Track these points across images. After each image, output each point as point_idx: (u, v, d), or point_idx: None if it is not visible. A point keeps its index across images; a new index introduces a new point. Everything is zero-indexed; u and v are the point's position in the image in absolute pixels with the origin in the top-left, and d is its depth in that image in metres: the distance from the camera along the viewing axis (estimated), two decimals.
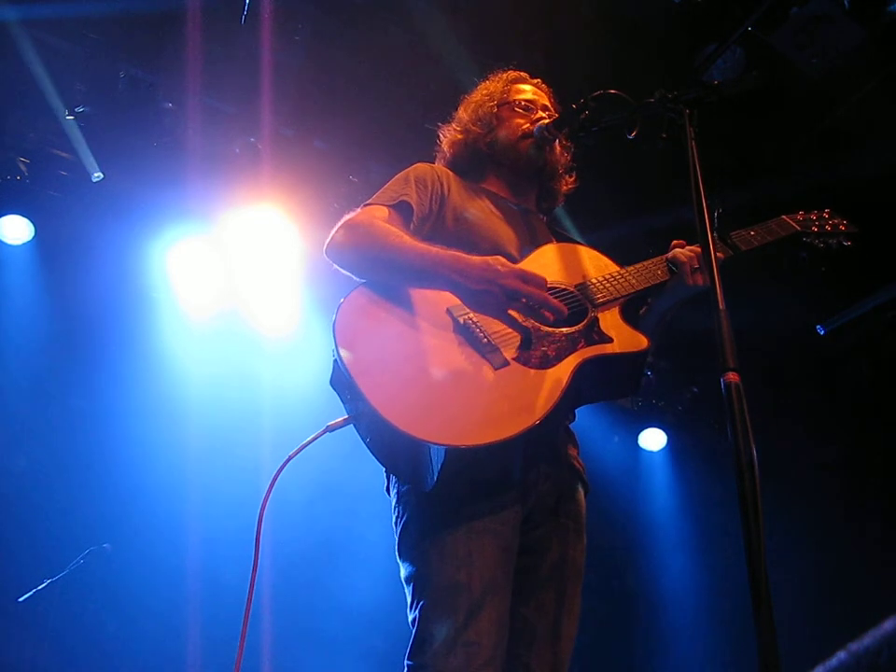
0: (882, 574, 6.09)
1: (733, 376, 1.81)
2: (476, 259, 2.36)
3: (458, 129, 3.03)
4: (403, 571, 2.40)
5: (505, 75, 3.07)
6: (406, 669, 2.26)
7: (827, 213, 3.13)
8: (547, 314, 2.32)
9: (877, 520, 6.38)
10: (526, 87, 3.03)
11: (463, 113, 3.05)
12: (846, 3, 4.74)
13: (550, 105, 3.00)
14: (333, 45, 5.20)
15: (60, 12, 4.85)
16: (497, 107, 2.98)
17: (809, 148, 5.44)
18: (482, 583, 2.26)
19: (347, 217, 2.58)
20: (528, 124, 2.91)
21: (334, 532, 5.99)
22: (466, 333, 2.37)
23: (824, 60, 4.95)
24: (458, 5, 4.98)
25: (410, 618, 2.32)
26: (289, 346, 5.95)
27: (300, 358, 5.84)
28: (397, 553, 2.44)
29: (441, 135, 3.08)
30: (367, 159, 5.80)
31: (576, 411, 2.77)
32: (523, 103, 2.98)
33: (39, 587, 4.95)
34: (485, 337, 2.36)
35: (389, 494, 2.55)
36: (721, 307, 1.92)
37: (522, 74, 3.08)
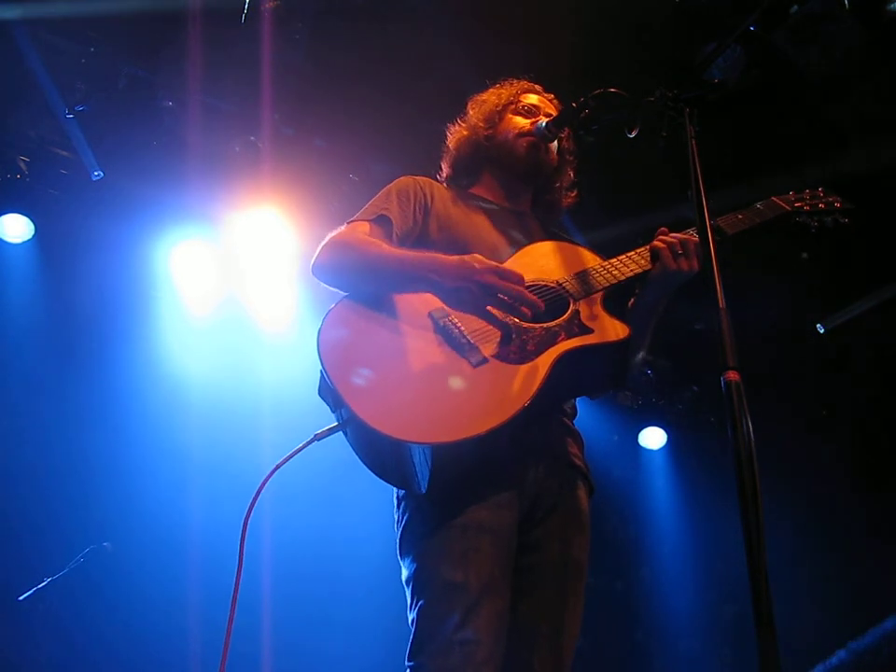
0: (882, 573, 6.10)
1: (733, 375, 1.81)
2: (453, 257, 2.41)
3: (464, 126, 3.08)
4: (403, 573, 2.42)
5: (519, 83, 3.11)
6: (407, 671, 2.28)
7: (821, 191, 3.06)
8: (524, 308, 2.34)
9: (877, 519, 6.38)
10: (535, 96, 3.06)
11: (471, 111, 3.10)
12: (846, 2, 4.74)
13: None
14: (333, 43, 5.19)
15: (60, 11, 4.85)
16: (503, 107, 3.02)
17: (808, 147, 5.44)
18: (478, 582, 2.27)
19: (330, 234, 2.63)
20: (529, 125, 2.94)
21: (338, 533, 5.99)
22: (445, 334, 2.40)
23: (824, 58, 4.95)
24: (458, 4, 4.98)
25: (409, 619, 2.34)
26: (290, 344, 5.95)
27: (300, 357, 5.84)
28: (398, 555, 2.46)
29: (448, 134, 3.13)
30: (367, 157, 5.79)
31: (577, 408, 2.79)
32: (527, 106, 3.01)
33: (39, 585, 4.95)
34: (463, 336, 2.39)
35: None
36: (721, 306, 1.92)
37: (536, 86, 3.11)
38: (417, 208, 2.76)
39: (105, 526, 5.32)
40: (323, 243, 2.61)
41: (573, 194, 3.11)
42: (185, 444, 5.71)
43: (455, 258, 2.41)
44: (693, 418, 7.48)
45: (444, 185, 3.03)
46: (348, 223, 2.69)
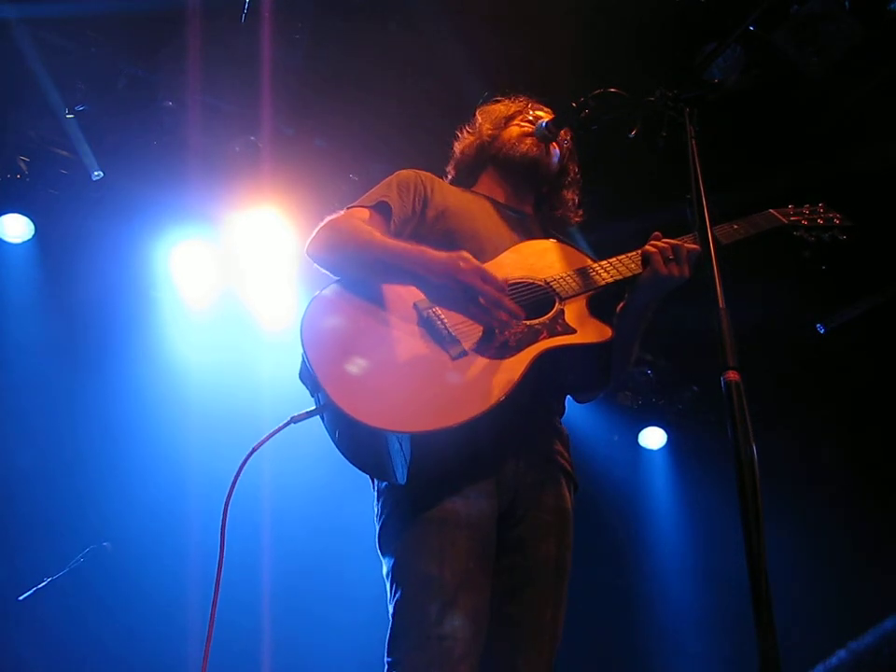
0: (882, 573, 6.10)
1: (733, 375, 1.82)
2: (442, 253, 2.42)
3: (471, 130, 3.13)
4: (384, 567, 2.43)
5: (531, 101, 3.13)
6: (385, 666, 2.28)
7: (822, 206, 3.07)
8: (501, 314, 2.35)
9: (877, 519, 6.38)
10: (543, 112, 3.08)
11: (479, 117, 3.14)
12: (846, 2, 4.74)
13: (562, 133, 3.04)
14: (333, 44, 5.20)
15: (60, 11, 4.85)
16: (511, 115, 3.06)
17: (808, 147, 5.44)
18: (454, 577, 2.27)
19: (329, 217, 2.67)
20: (532, 129, 2.97)
21: (337, 528, 5.99)
22: (428, 326, 2.42)
23: (824, 58, 4.95)
24: (458, 4, 4.98)
25: (389, 614, 2.34)
26: (289, 343, 5.93)
27: (299, 355, 5.83)
28: (378, 549, 2.47)
29: (456, 141, 3.17)
30: (367, 157, 5.79)
31: (574, 409, 2.79)
32: (536, 117, 3.03)
33: (39, 585, 4.95)
34: (446, 328, 2.41)
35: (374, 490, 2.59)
36: (721, 305, 1.92)
37: (546, 107, 3.13)
38: (417, 199, 2.79)
39: (104, 526, 5.33)
40: (321, 224, 2.65)
41: (580, 213, 3.13)
42: (184, 443, 5.70)
43: (444, 255, 2.41)
44: (693, 418, 7.48)
45: (449, 183, 3.07)
46: (348, 208, 2.73)
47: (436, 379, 2.32)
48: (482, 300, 2.33)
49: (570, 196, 3.10)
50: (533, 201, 3.07)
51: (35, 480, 5.51)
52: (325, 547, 6.00)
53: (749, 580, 1.61)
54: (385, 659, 2.27)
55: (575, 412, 2.80)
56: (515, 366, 2.36)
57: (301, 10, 5.04)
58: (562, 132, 2.95)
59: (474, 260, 2.39)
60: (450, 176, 3.15)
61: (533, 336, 2.45)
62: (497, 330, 2.42)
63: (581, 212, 3.12)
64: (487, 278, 2.34)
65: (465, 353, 2.37)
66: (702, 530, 7.22)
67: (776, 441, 6.23)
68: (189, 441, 5.70)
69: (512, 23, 4.96)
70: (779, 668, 1.54)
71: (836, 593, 6.38)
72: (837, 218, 3.05)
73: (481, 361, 2.37)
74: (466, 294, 2.34)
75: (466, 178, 3.09)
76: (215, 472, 5.57)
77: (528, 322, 2.48)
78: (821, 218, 3.03)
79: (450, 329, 2.41)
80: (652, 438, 7.48)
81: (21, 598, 4.92)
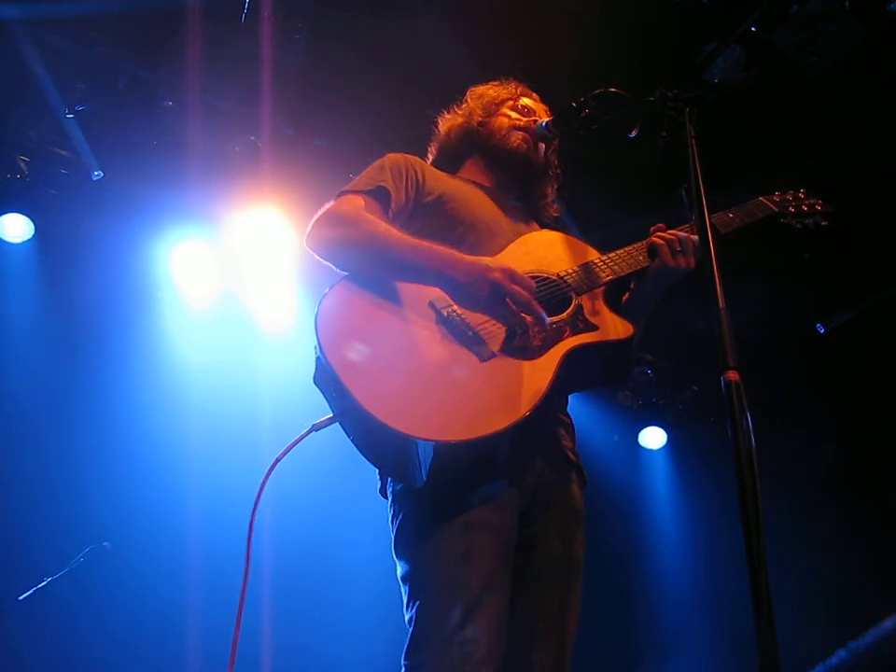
0: (882, 573, 6.09)
1: (733, 375, 1.82)
2: (468, 256, 2.39)
3: (460, 113, 3.09)
4: (399, 570, 2.38)
5: (519, 85, 3.12)
6: (403, 669, 2.25)
7: (802, 193, 3.15)
8: (527, 317, 2.32)
9: (877, 519, 6.38)
10: (531, 101, 3.08)
11: (469, 100, 3.11)
12: (846, 2, 4.74)
13: None
14: (333, 43, 5.19)
15: (60, 11, 4.85)
16: (501, 101, 3.04)
17: (808, 147, 5.44)
18: (479, 580, 2.23)
19: (327, 206, 2.59)
20: (525, 121, 2.97)
21: (337, 529, 5.99)
22: (450, 326, 2.36)
23: (824, 58, 4.95)
24: (458, 4, 4.98)
25: (406, 617, 2.31)
26: (290, 343, 5.95)
27: (300, 354, 5.82)
28: (393, 552, 2.43)
29: (440, 121, 3.13)
30: (367, 157, 5.74)
31: (574, 409, 2.79)
32: (525, 106, 3.03)
33: (39, 585, 4.95)
34: (470, 330, 2.35)
35: (384, 495, 2.54)
36: (721, 305, 1.92)
37: (534, 93, 3.13)
38: (409, 185, 2.74)
39: (104, 527, 5.32)
40: (319, 214, 2.57)
41: (556, 207, 3.12)
42: (185, 442, 5.70)
43: (471, 256, 2.39)
44: (693, 418, 7.48)
45: (434, 166, 3.01)
46: (341, 194, 2.65)
47: (469, 384, 2.26)
48: (510, 301, 2.30)
49: (549, 190, 3.08)
50: (515, 193, 3.05)
51: (35, 480, 5.50)
52: (327, 552, 6.00)
53: (749, 579, 1.61)
54: (403, 662, 2.24)
55: (575, 411, 2.79)
56: (546, 366, 2.32)
57: (301, 10, 5.04)
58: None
59: (503, 262, 2.37)
60: (431, 158, 3.10)
61: (557, 335, 2.41)
62: (520, 333, 2.37)
63: (556, 206, 3.12)
64: (517, 279, 2.31)
65: (493, 354, 2.32)
66: (702, 530, 7.21)
67: (775, 440, 6.22)
68: (188, 440, 5.69)
69: (513, 23, 4.96)
70: (779, 668, 1.54)
71: (836, 593, 6.37)
72: (819, 205, 3.12)
73: (511, 363, 2.31)
74: (494, 294, 2.30)
75: (449, 163, 3.04)
76: (214, 472, 5.60)
77: (550, 320, 2.43)
78: (805, 205, 3.10)
79: (475, 330, 2.35)
80: (652, 438, 7.48)
81: (21, 598, 4.92)
